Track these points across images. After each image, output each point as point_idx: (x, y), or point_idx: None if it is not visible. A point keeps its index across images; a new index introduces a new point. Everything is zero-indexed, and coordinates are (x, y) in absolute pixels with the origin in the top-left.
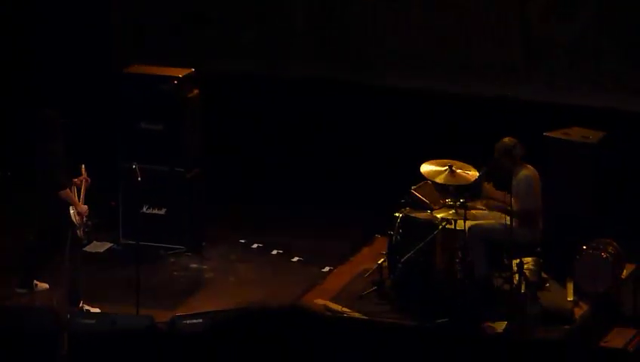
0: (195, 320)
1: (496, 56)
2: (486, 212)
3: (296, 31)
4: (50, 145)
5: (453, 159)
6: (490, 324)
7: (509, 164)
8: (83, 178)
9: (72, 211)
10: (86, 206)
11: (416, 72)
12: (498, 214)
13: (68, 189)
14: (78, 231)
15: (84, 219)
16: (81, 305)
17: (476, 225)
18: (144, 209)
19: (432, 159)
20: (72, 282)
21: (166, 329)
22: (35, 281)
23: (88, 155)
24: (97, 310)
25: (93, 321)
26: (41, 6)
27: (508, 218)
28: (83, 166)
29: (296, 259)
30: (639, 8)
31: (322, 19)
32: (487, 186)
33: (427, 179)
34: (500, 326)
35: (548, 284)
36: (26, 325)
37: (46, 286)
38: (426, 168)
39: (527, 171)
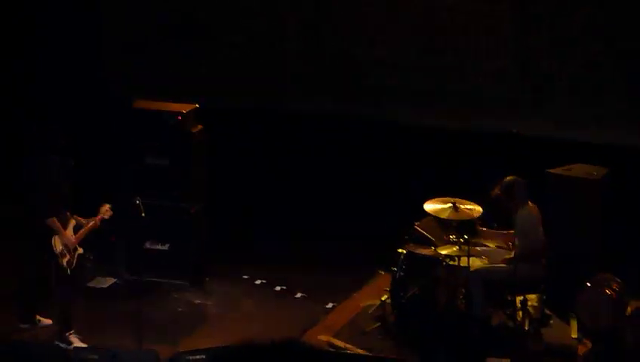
0: (198, 356)
1: (499, 91)
2: (488, 248)
3: (295, 66)
4: (44, 166)
5: (457, 197)
6: (493, 360)
7: (510, 202)
8: (98, 218)
9: (55, 240)
10: (74, 238)
11: (417, 108)
12: (501, 251)
13: (54, 217)
14: (61, 261)
15: (71, 250)
16: (68, 335)
17: (477, 270)
18: (147, 244)
19: (435, 195)
20: (60, 312)
21: None
22: (38, 316)
23: (91, 190)
24: (82, 344)
25: (96, 357)
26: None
27: (511, 254)
28: (108, 206)
29: (299, 295)
30: None
31: (320, 54)
32: (486, 231)
33: (430, 215)
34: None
35: (551, 321)
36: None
37: (49, 321)
38: (429, 205)
39: (529, 208)
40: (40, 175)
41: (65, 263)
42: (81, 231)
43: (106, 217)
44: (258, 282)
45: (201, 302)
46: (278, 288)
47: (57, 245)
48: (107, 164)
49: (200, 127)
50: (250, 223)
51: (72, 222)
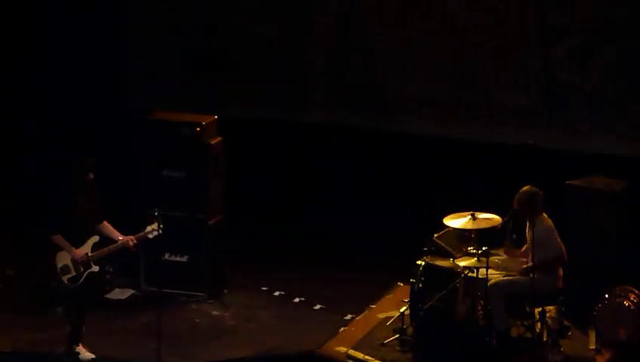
0: None
1: (518, 102)
2: (507, 259)
3: (317, 77)
4: (63, 191)
5: (475, 210)
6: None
7: (528, 214)
8: (135, 236)
9: (59, 255)
10: (83, 253)
11: (437, 119)
12: (518, 261)
13: (59, 235)
14: (61, 278)
15: (79, 266)
16: (75, 347)
17: (496, 283)
18: (166, 256)
19: (453, 206)
20: (71, 324)
21: None
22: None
23: (111, 202)
24: (92, 356)
25: None
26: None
27: (528, 264)
28: (153, 226)
29: (318, 306)
30: None
31: (342, 65)
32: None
33: (449, 228)
34: None
35: (570, 333)
36: None
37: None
38: (448, 218)
39: (544, 220)
40: (51, 190)
41: (66, 280)
42: (104, 250)
43: (151, 236)
44: (277, 294)
45: (219, 314)
46: (296, 299)
47: (60, 261)
48: (124, 176)
49: (219, 138)
50: (268, 235)
51: (94, 239)
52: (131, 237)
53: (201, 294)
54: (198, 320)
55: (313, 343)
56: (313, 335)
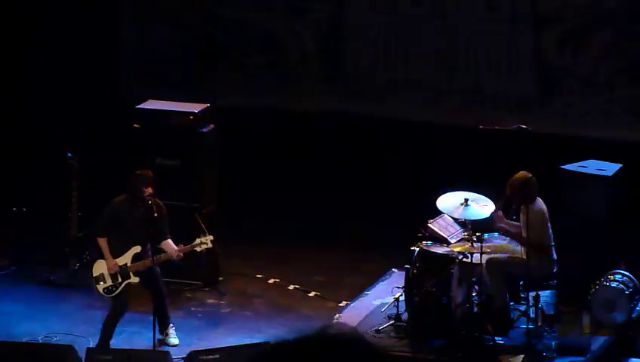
0: (211, 356)
1: (510, 87)
2: (501, 245)
3: (307, 63)
4: (121, 196)
5: (470, 191)
6: (507, 357)
7: (522, 199)
8: (174, 250)
9: (98, 263)
10: (116, 264)
11: (428, 105)
12: (512, 248)
13: (104, 239)
14: (95, 286)
15: (117, 276)
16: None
17: (493, 258)
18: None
19: (448, 192)
20: (102, 330)
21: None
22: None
23: (102, 191)
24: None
25: (110, 357)
26: (48, 38)
27: (523, 251)
28: (206, 239)
29: (312, 293)
30: None
31: (333, 51)
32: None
33: (444, 213)
34: (517, 359)
35: (564, 317)
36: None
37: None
38: (442, 202)
39: (539, 204)
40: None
41: (101, 290)
42: (145, 261)
43: (199, 250)
44: (271, 281)
45: (214, 302)
46: (291, 287)
47: (96, 269)
48: (118, 164)
49: (212, 126)
50: (262, 222)
51: (135, 249)
52: (178, 248)
53: (196, 282)
54: (193, 309)
55: (309, 330)
56: (308, 322)
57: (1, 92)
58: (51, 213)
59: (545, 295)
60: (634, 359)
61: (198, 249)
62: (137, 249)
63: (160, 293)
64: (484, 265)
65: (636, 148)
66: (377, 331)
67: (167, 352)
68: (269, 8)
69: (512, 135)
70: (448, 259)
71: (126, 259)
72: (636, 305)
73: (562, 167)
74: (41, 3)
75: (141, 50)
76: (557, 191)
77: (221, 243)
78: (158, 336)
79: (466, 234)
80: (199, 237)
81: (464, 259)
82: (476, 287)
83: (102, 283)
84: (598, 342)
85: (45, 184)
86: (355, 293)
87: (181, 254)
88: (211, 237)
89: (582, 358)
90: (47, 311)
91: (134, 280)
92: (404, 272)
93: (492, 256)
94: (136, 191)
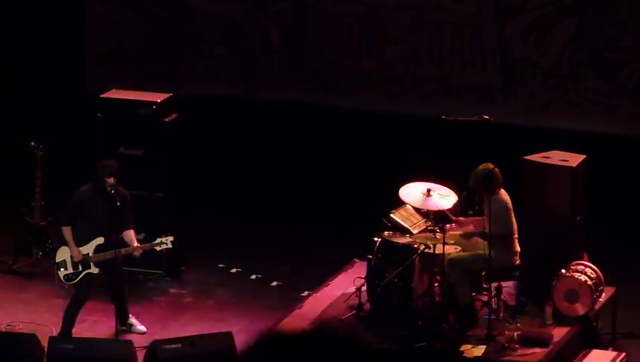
0: (173, 345)
1: (474, 78)
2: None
3: (271, 54)
4: (81, 189)
5: (433, 181)
6: (468, 346)
7: (484, 191)
8: (135, 247)
9: (61, 249)
10: (80, 252)
11: (392, 96)
12: (474, 240)
13: (68, 227)
14: (56, 272)
15: (78, 265)
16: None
17: (455, 258)
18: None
19: (411, 182)
20: (63, 319)
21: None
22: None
23: (65, 180)
24: None
25: (72, 346)
26: (11, 27)
27: (485, 243)
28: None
29: (274, 283)
30: (616, 26)
31: (297, 42)
32: (461, 219)
33: (406, 203)
34: (479, 349)
35: (527, 308)
36: (6, 350)
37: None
38: (404, 192)
39: (503, 196)
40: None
41: (61, 276)
42: (106, 253)
43: (158, 249)
44: (234, 271)
45: (176, 291)
46: (253, 276)
47: (60, 255)
48: (80, 155)
49: (174, 115)
50: (225, 212)
51: (98, 241)
52: (137, 245)
53: (158, 272)
54: (155, 298)
55: (270, 320)
56: (270, 311)
57: None
58: (14, 201)
59: (507, 286)
60: (596, 350)
61: (158, 248)
62: (100, 240)
63: (119, 285)
64: (447, 264)
65: (600, 139)
66: (340, 321)
67: (130, 341)
68: None
69: (475, 126)
70: (410, 249)
71: (88, 248)
72: (599, 297)
73: (526, 158)
74: None
75: (105, 40)
76: (521, 183)
77: (183, 233)
78: (122, 328)
79: (428, 224)
80: (160, 236)
81: (426, 250)
82: (438, 278)
83: (63, 269)
84: (561, 334)
85: (9, 173)
86: (317, 283)
87: (140, 251)
88: (171, 238)
89: (545, 349)
90: (9, 299)
91: (94, 270)
92: (366, 262)
93: (453, 255)
94: (98, 180)
